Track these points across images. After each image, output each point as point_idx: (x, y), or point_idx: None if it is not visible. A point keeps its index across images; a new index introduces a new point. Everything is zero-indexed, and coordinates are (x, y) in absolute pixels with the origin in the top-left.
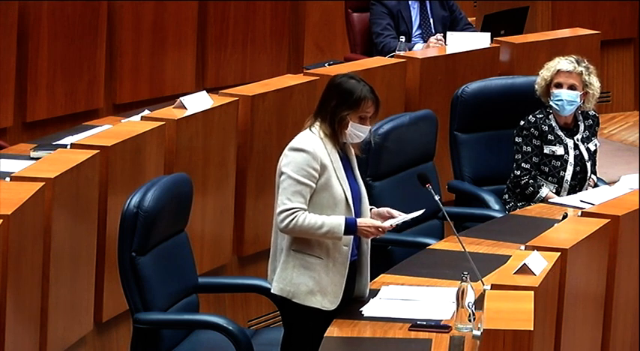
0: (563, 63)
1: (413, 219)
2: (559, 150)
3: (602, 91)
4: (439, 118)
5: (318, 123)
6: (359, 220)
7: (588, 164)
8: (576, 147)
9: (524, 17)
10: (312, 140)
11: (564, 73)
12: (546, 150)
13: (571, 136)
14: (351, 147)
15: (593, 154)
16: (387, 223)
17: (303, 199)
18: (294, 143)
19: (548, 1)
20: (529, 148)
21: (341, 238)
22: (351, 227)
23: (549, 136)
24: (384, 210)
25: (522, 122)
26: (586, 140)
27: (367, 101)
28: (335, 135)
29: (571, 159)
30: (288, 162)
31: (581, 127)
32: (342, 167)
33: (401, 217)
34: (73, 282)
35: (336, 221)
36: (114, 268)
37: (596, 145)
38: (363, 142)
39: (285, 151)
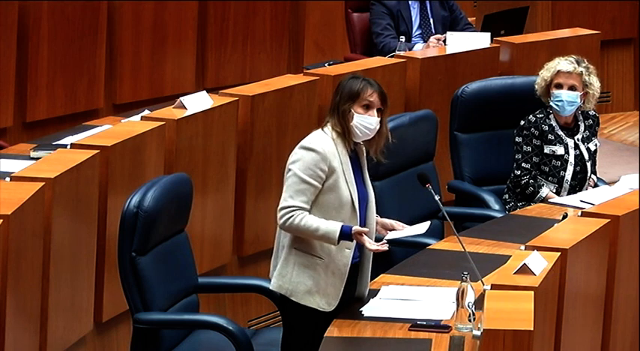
0: (564, 64)
1: (413, 223)
2: (559, 150)
3: (602, 91)
4: (439, 118)
5: (330, 123)
6: (354, 228)
7: (588, 164)
8: (576, 147)
9: (524, 17)
10: (323, 140)
11: (564, 74)
12: (546, 150)
13: (571, 136)
14: (372, 153)
15: (593, 154)
16: (391, 236)
17: (306, 199)
18: (305, 142)
19: (548, 1)
20: (529, 148)
21: (335, 243)
22: (345, 234)
23: (549, 136)
24: (388, 222)
25: (522, 122)
26: (586, 140)
27: (366, 89)
28: (345, 132)
29: (571, 159)
30: (297, 160)
31: (582, 127)
32: (351, 169)
33: (405, 231)
34: (73, 282)
35: (332, 227)
36: (114, 268)
37: (596, 145)
38: (384, 146)
39: (296, 148)
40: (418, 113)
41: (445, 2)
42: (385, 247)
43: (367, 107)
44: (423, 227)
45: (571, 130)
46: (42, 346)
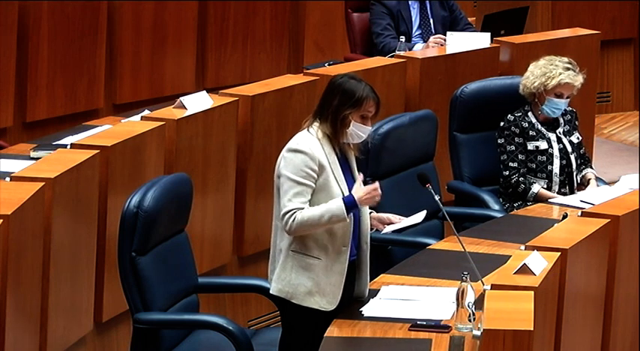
0: (571, 76)
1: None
2: (542, 144)
3: (602, 91)
4: (439, 118)
5: (317, 123)
6: (355, 195)
7: (572, 156)
8: (559, 140)
9: (524, 17)
10: (309, 141)
11: (569, 86)
12: (530, 146)
13: (552, 130)
14: (351, 147)
15: (577, 148)
16: (389, 229)
17: (304, 199)
18: (291, 144)
19: (548, 1)
20: (513, 147)
21: (346, 219)
22: (350, 204)
23: (531, 132)
24: (384, 216)
25: (502, 123)
26: (567, 134)
27: (369, 100)
28: (335, 135)
29: (556, 152)
30: (287, 164)
31: (561, 121)
32: (339, 168)
33: (403, 222)
34: (73, 282)
35: (334, 205)
36: (114, 268)
37: (578, 138)
38: (362, 143)
39: (283, 152)
40: (418, 113)
41: (445, 2)
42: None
43: (365, 117)
44: (419, 217)
45: (551, 124)
46: (42, 346)
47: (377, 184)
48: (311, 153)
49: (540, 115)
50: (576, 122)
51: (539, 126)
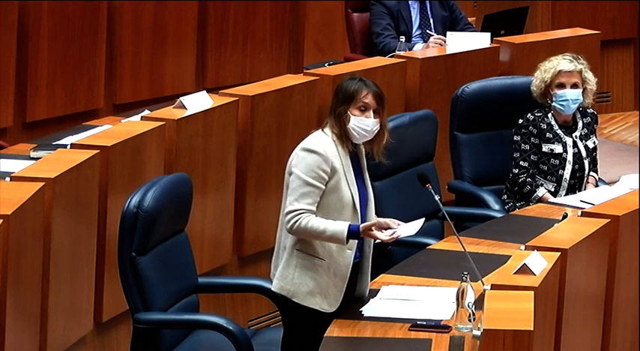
0: (564, 63)
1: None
2: (557, 148)
3: (602, 91)
4: (439, 118)
5: (328, 124)
6: (362, 226)
7: (586, 162)
8: (575, 145)
9: (524, 17)
10: (324, 141)
11: (566, 73)
12: (545, 148)
13: (570, 134)
14: (375, 155)
15: (591, 152)
16: (388, 233)
17: (312, 201)
18: (306, 143)
19: (548, 1)
20: (527, 146)
21: (344, 243)
22: (354, 233)
23: (548, 134)
24: (383, 221)
25: (521, 121)
26: (584, 137)
27: (361, 90)
28: (343, 134)
29: (569, 157)
30: (299, 162)
31: (580, 125)
32: (352, 171)
33: (400, 230)
34: (73, 282)
35: (339, 227)
36: (114, 268)
37: (594, 142)
38: (384, 147)
39: (297, 150)
40: (418, 113)
41: (445, 2)
42: (395, 235)
43: (363, 109)
44: (416, 226)
45: (569, 128)
46: (42, 346)
47: (387, 233)
48: (325, 154)
49: (559, 117)
50: (595, 126)
51: (557, 128)
